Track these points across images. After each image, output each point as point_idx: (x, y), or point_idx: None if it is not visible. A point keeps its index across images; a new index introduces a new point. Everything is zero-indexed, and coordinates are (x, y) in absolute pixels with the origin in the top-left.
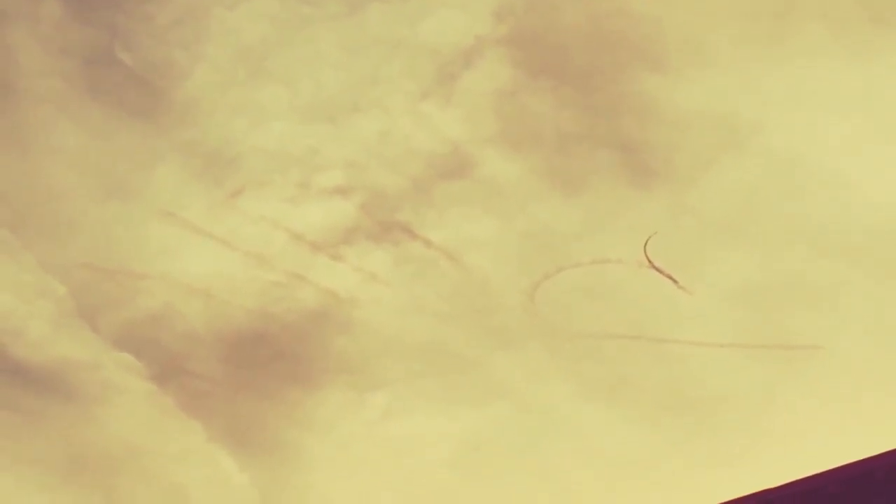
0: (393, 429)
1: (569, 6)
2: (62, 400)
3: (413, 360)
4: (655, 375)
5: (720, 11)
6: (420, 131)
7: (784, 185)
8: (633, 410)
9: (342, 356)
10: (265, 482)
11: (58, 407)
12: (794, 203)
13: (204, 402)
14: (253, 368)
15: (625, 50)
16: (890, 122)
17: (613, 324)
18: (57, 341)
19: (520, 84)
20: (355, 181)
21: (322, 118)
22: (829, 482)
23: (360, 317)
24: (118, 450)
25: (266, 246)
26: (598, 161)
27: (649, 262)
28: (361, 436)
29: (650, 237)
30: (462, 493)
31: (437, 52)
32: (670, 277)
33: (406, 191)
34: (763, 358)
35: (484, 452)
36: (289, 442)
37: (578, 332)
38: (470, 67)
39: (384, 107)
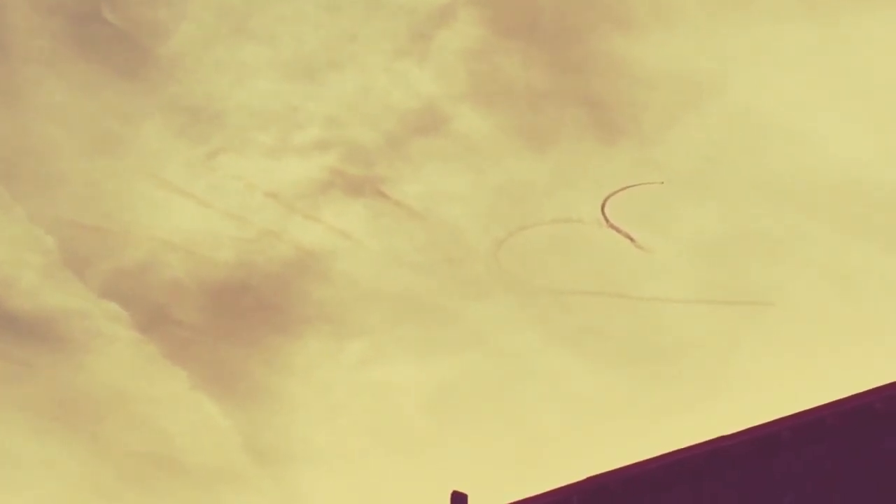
0: (369, 375)
1: None
2: (51, 348)
3: (389, 309)
4: (620, 325)
5: None
6: (396, 88)
7: (745, 140)
8: (599, 358)
9: (321, 306)
10: (247, 426)
11: (47, 355)
12: (754, 158)
13: (188, 350)
14: (236, 317)
15: (593, 10)
16: (848, 79)
17: (579, 277)
18: (46, 291)
19: (491, 43)
20: (333, 137)
21: (302, 75)
22: (782, 429)
23: (338, 268)
24: (105, 396)
25: (247, 200)
26: (566, 118)
27: (606, 220)
28: (339, 382)
29: (608, 197)
30: (435, 435)
31: (412, 11)
32: (628, 236)
33: (382, 146)
34: (724, 308)
35: (456, 397)
36: (270, 387)
37: (545, 286)
38: (444, 27)
39: (362, 65)
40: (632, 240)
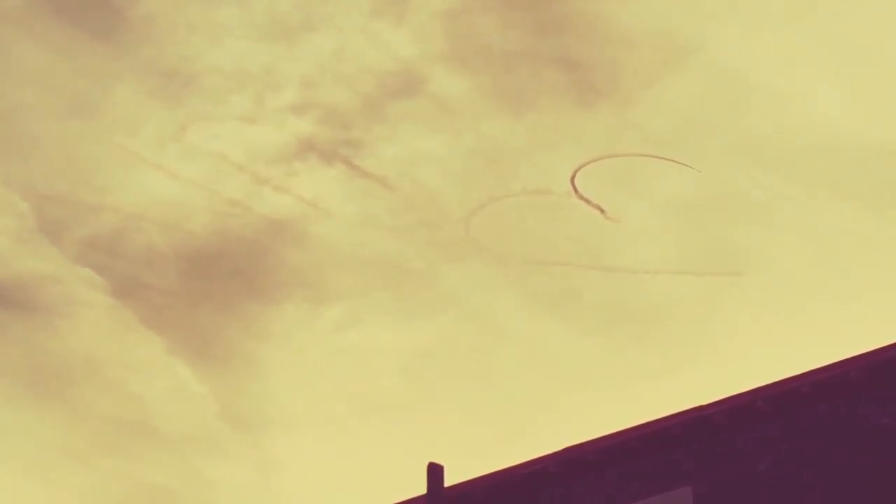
0: (346, 339)
1: None
2: (25, 314)
3: (365, 273)
4: (598, 288)
5: None
6: (372, 49)
7: (724, 101)
8: (576, 322)
9: (297, 271)
10: (223, 392)
11: (20, 321)
12: (734, 119)
13: (164, 316)
14: (211, 283)
15: None
16: (828, 39)
17: (556, 244)
18: (19, 256)
19: (469, 3)
20: (309, 99)
21: (277, 36)
22: (757, 398)
23: (314, 232)
24: (79, 361)
25: (221, 165)
26: (543, 79)
27: (576, 192)
28: (316, 346)
29: (577, 170)
30: (413, 399)
31: None
32: (598, 208)
33: (359, 108)
34: (703, 270)
35: (433, 362)
36: (246, 353)
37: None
38: None
39: (337, 25)
40: (602, 211)
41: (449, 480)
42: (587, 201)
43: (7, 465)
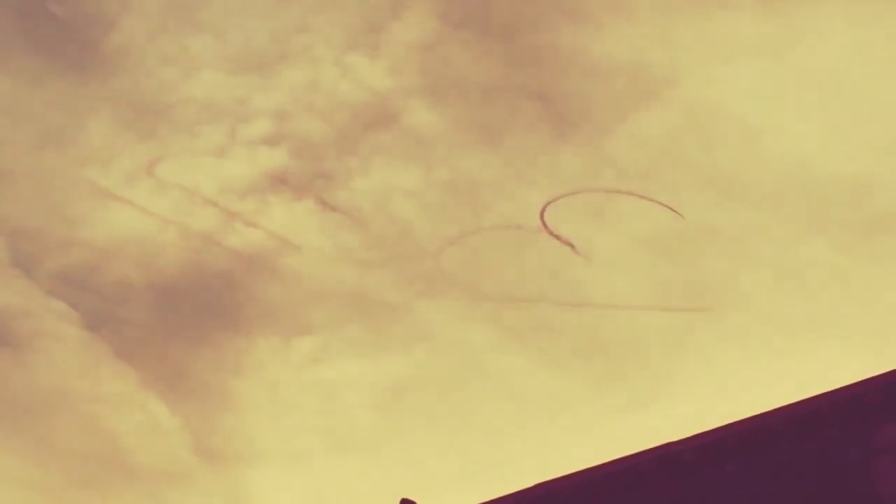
0: (319, 373)
1: None
2: None
3: (338, 306)
4: (570, 323)
5: None
6: (346, 82)
7: (697, 135)
8: (549, 356)
9: (270, 303)
10: (196, 426)
11: None
12: (706, 152)
13: (137, 349)
14: (183, 316)
15: (545, 1)
16: (801, 73)
17: (529, 279)
18: None
19: (443, 35)
20: (282, 131)
21: (250, 68)
22: (730, 434)
23: (287, 265)
24: (52, 395)
25: (194, 198)
26: (518, 112)
27: (546, 228)
28: (289, 380)
29: (547, 204)
30: (386, 433)
31: (363, 2)
32: (568, 243)
33: (332, 141)
34: (675, 305)
35: (406, 396)
36: (218, 386)
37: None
38: (395, 19)
39: (311, 57)
40: (572, 247)
41: None
42: (557, 237)
43: None
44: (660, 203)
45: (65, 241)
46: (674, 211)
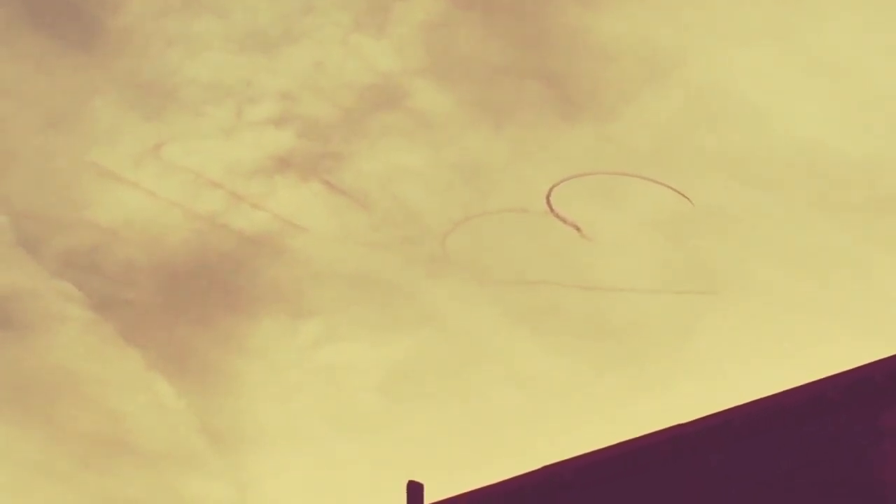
0: (325, 355)
1: None
2: (2, 329)
3: (344, 288)
4: (576, 306)
5: None
6: (352, 62)
7: (703, 116)
8: (556, 338)
9: (275, 285)
10: (202, 407)
11: None
12: (713, 134)
13: (143, 331)
14: (189, 297)
15: None
16: (808, 54)
17: (536, 260)
18: None
19: (450, 16)
20: (288, 112)
21: (256, 49)
22: (738, 416)
23: (293, 246)
24: (58, 377)
25: (200, 179)
26: (524, 93)
27: (552, 210)
28: (294, 362)
29: (553, 187)
30: (391, 416)
31: None
32: (574, 226)
33: (338, 122)
34: (683, 288)
35: (412, 378)
36: (224, 368)
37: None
38: None
39: (317, 38)
40: (578, 230)
41: (428, 499)
42: (563, 220)
43: None
44: (667, 186)
45: (70, 222)
46: (681, 194)
